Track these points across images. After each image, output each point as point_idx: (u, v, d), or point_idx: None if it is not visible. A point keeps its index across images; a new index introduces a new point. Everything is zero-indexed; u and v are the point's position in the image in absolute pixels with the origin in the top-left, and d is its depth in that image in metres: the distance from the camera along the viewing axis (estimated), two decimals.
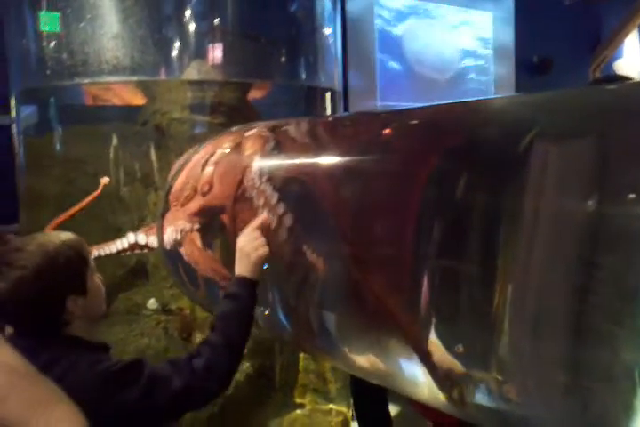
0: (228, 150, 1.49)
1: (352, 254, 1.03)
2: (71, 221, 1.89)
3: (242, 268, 1.18)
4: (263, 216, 1.22)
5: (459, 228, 0.85)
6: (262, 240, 1.19)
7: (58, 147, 2.00)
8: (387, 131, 1.11)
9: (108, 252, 1.80)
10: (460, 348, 0.86)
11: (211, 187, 1.45)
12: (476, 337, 0.84)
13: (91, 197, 1.82)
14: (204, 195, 1.49)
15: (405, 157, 0.98)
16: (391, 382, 1.08)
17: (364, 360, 1.09)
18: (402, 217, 0.93)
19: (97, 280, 1.22)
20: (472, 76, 5.36)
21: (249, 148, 1.40)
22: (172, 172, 1.60)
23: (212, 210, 1.42)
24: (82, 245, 1.21)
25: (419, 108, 1.17)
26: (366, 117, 1.29)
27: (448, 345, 0.87)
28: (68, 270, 1.16)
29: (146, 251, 1.78)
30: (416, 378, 0.94)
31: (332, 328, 1.14)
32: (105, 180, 1.84)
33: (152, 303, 1.92)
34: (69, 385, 0.97)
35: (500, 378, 0.81)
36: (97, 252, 1.77)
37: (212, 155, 1.49)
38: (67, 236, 1.20)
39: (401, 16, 5.07)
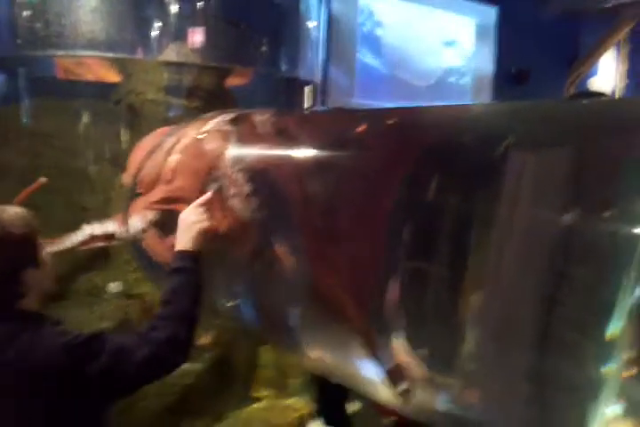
0: (197, 138, 1.46)
1: (315, 250, 1.01)
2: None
3: (184, 241, 1.19)
4: (209, 194, 1.20)
5: (429, 230, 0.83)
6: (204, 215, 1.19)
7: (25, 119, 1.94)
8: (362, 129, 1.09)
9: (64, 246, 1.71)
10: (424, 351, 0.84)
11: (174, 176, 1.43)
12: (440, 341, 0.83)
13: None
14: (167, 184, 1.46)
15: (379, 156, 0.97)
16: (348, 380, 1.07)
17: (323, 357, 1.08)
18: (369, 216, 0.91)
19: (46, 254, 1.21)
20: (451, 81, 5.40)
21: (218, 137, 1.38)
22: (142, 153, 1.56)
23: (175, 199, 1.40)
24: (33, 218, 1.20)
25: (396, 108, 1.17)
26: (343, 114, 1.28)
27: (411, 347, 0.85)
28: (24, 243, 1.14)
29: (112, 243, 1.71)
30: (373, 378, 0.93)
31: (295, 323, 1.12)
32: (43, 180, 1.73)
33: (114, 287, 1.88)
34: (34, 358, 0.95)
35: (461, 383, 0.81)
36: (54, 247, 1.68)
37: (178, 142, 1.47)
38: (18, 209, 1.18)
39: (384, 17, 5.08)
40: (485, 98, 4.98)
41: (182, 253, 1.19)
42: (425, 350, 0.83)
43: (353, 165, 0.99)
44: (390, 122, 1.07)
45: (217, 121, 1.57)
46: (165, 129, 1.66)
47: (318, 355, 1.08)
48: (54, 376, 0.90)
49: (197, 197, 1.32)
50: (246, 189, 1.23)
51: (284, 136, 1.27)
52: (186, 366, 1.86)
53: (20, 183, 1.86)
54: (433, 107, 1.06)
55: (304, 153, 1.13)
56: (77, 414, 1.11)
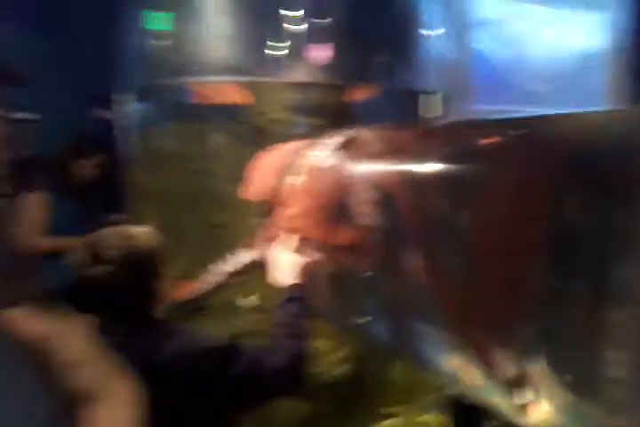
0: (320, 159, 1.49)
1: (457, 268, 0.99)
2: (168, 214, 1.96)
3: (290, 277, 1.37)
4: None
5: (573, 249, 0.79)
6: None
7: (163, 143, 2.07)
8: (495, 140, 1.06)
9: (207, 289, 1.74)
10: (569, 377, 0.80)
11: (301, 199, 1.46)
12: (584, 365, 0.78)
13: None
14: (294, 206, 1.50)
15: (518, 169, 0.93)
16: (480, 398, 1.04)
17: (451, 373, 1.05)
18: (509, 233, 0.88)
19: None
20: (579, 80, 5.12)
21: (340, 157, 1.39)
22: (266, 170, 1.61)
23: (303, 222, 1.43)
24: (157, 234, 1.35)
25: (528, 117, 1.11)
26: (474, 125, 1.24)
27: (554, 373, 0.82)
28: (155, 256, 1.26)
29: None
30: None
31: (424, 338, 1.11)
32: None
33: (250, 301, 1.94)
34: (178, 362, 1.06)
35: (607, 411, 0.76)
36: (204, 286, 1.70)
37: (303, 162, 1.50)
38: (145, 227, 1.35)
39: (502, 17, 4.92)
40: (619, 100, 4.70)
41: (292, 286, 1.35)
42: (567, 375, 0.80)
43: (489, 180, 0.96)
44: (527, 131, 1.03)
45: (338, 140, 1.59)
46: (286, 146, 1.70)
47: (448, 370, 1.06)
48: (192, 380, 0.98)
49: (325, 219, 1.34)
50: (373, 206, 1.24)
51: (408, 151, 1.26)
52: (318, 383, 1.90)
53: (158, 204, 1.99)
54: (571, 113, 1.01)
55: (432, 168, 1.12)
56: (207, 421, 1.19)
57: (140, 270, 1.24)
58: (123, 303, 1.24)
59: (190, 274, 1.88)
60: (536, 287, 0.84)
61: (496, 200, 0.93)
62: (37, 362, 0.51)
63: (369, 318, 1.28)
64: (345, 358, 1.94)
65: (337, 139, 1.66)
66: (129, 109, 2.20)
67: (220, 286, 1.70)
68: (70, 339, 0.56)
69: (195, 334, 1.27)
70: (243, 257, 1.68)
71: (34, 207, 2.75)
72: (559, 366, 0.82)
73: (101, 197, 3.15)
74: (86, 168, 3.07)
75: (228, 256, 1.68)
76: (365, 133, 1.52)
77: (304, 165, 1.54)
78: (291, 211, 1.48)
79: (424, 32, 2.26)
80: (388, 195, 1.18)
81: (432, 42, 2.30)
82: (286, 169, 1.57)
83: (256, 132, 1.94)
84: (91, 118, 3.87)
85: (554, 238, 0.83)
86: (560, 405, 0.81)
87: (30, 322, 0.52)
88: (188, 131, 2.02)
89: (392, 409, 2.06)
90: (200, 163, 1.92)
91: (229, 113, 2.02)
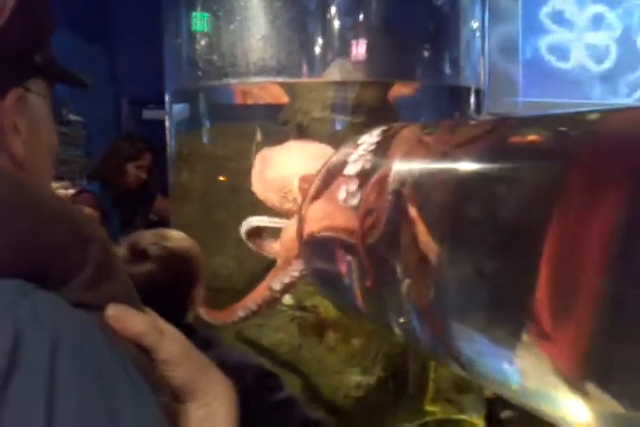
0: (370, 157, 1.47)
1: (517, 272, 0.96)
2: (207, 215, 1.99)
3: None
4: None
5: None
6: None
7: (205, 144, 2.10)
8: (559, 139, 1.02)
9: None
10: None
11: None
12: None
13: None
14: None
15: (589, 170, 0.89)
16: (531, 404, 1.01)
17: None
18: (583, 238, 0.85)
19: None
20: (629, 68, 4.98)
21: (395, 153, 1.37)
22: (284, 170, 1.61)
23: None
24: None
25: (595, 111, 1.07)
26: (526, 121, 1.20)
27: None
28: (195, 261, 1.28)
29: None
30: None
31: (470, 342, 1.09)
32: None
33: (287, 299, 1.96)
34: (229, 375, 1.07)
35: None
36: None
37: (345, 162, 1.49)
38: (180, 232, 1.37)
39: (547, 4, 4.82)
40: None
41: None
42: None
43: (552, 182, 0.92)
44: (596, 128, 0.99)
45: (372, 140, 1.58)
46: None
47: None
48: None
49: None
50: (417, 207, 1.22)
51: (452, 151, 1.25)
52: (357, 380, 1.90)
53: (201, 204, 2.02)
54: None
55: (483, 168, 1.09)
56: None
57: (181, 272, 1.25)
58: (162, 304, 1.25)
59: (231, 279, 1.91)
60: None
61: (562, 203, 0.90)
62: (139, 359, 0.51)
63: (407, 318, 1.26)
64: (383, 357, 1.94)
65: (381, 132, 1.65)
66: (174, 111, 2.24)
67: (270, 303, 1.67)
68: (169, 335, 0.56)
69: (229, 347, 1.28)
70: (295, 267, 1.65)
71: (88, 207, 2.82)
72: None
73: (148, 199, 3.22)
74: (136, 170, 3.14)
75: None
76: (407, 130, 1.51)
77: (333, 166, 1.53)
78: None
79: (466, 25, 2.23)
80: (442, 195, 1.16)
81: (474, 35, 2.26)
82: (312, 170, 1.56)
83: (298, 132, 1.95)
84: (138, 120, 3.96)
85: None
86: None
87: (131, 318, 0.53)
88: (231, 131, 2.04)
89: (434, 407, 2.06)
90: (242, 163, 1.94)
91: (271, 113, 2.04)
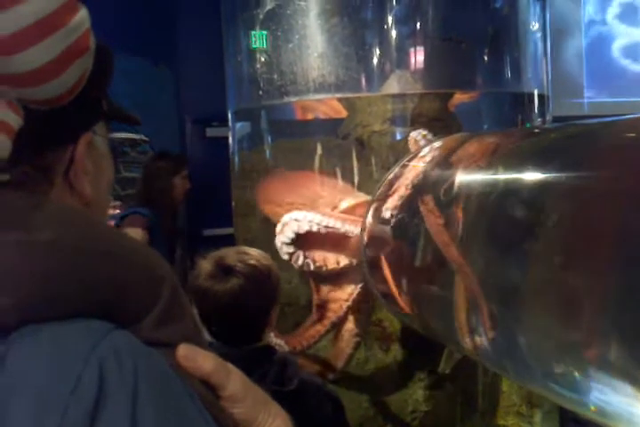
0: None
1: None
2: (271, 231, 2.01)
3: None
4: None
5: None
6: None
7: (267, 160, 2.13)
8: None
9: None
10: None
11: None
12: None
13: None
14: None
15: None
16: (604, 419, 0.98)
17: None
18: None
19: None
20: None
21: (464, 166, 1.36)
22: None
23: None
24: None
25: None
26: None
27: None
28: (277, 281, 1.28)
29: None
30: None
31: (534, 356, 1.07)
32: None
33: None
34: (310, 399, 1.08)
35: None
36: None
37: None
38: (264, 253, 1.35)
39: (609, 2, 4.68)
40: None
41: None
42: None
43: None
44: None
45: (432, 152, 1.57)
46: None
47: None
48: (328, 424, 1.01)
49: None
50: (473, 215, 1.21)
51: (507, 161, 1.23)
52: (427, 393, 1.88)
53: (264, 220, 2.04)
54: None
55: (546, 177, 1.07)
56: None
57: (266, 289, 1.26)
58: (246, 321, 1.25)
59: (294, 294, 1.92)
60: None
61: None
62: (206, 396, 0.53)
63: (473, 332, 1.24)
64: (452, 370, 1.91)
65: (442, 144, 1.65)
66: (236, 128, 2.28)
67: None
68: (233, 372, 0.57)
69: (301, 367, 1.29)
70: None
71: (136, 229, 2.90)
72: None
73: (198, 212, 3.32)
74: (182, 181, 3.25)
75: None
76: (472, 141, 1.50)
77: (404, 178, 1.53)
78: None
79: (526, 27, 2.19)
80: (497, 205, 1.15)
81: (535, 37, 2.21)
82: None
83: (358, 146, 1.95)
84: (201, 138, 4.06)
85: None
86: None
87: (201, 358, 0.54)
88: (292, 147, 2.07)
89: (506, 421, 2.01)
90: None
91: (331, 128, 2.05)
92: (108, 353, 0.46)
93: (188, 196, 3.44)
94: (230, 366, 0.58)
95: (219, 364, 0.56)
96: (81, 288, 0.49)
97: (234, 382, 0.56)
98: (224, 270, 1.24)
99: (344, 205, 1.70)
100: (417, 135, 1.70)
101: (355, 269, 1.66)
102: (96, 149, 0.64)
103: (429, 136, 1.70)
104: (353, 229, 1.58)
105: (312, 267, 1.60)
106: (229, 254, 1.28)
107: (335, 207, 1.70)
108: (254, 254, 1.31)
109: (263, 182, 1.98)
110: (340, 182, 1.87)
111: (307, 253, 1.62)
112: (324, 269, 1.62)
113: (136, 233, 2.84)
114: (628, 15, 4.62)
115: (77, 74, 0.56)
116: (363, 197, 1.75)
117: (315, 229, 1.57)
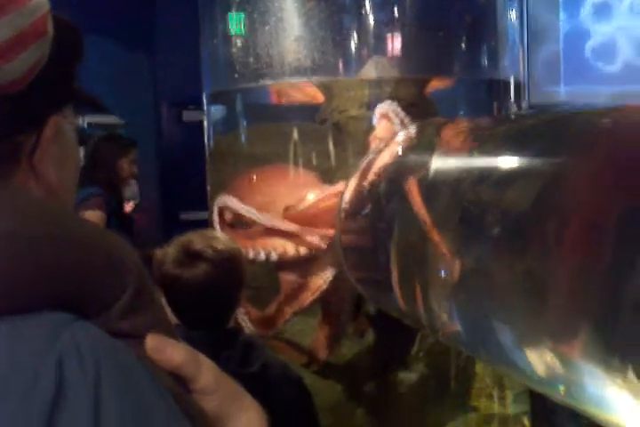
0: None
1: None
2: None
3: None
4: None
5: None
6: None
7: (242, 144, 2.12)
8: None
9: None
10: None
11: None
12: None
13: None
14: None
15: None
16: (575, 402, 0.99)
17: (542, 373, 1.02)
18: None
19: None
20: None
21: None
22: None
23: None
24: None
25: None
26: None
27: None
28: (244, 263, 1.29)
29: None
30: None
31: (507, 338, 1.08)
32: None
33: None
34: (271, 381, 1.09)
35: None
36: None
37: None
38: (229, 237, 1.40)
39: None
40: None
41: None
42: None
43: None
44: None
45: (408, 136, 1.57)
46: None
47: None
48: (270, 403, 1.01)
49: None
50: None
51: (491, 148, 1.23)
52: (400, 376, 1.90)
53: None
54: None
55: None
56: None
57: (234, 274, 1.26)
58: (214, 306, 1.25)
59: (269, 277, 1.92)
60: None
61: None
62: (175, 388, 0.51)
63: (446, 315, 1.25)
64: (426, 354, 1.93)
65: (416, 129, 1.65)
66: (211, 112, 2.26)
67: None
68: (204, 364, 0.55)
69: (272, 352, 1.29)
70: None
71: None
72: None
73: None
74: (129, 165, 3.22)
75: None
76: (448, 127, 1.50)
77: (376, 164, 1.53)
78: None
79: (504, 15, 2.19)
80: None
81: (513, 25, 2.22)
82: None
83: (335, 131, 1.95)
84: (177, 122, 4.02)
85: None
86: None
87: (171, 350, 0.52)
88: (268, 132, 2.06)
89: (475, 403, 2.04)
90: (279, 163, 1.95)
91: (307, 113, 2.04)
92: (68, 347, 0.44)
93: (163, 178, 3.41)
94: (201, 356, 0.55)
95: (189, 355, 0.54)
96: (37, 278, 0.47)
97: (205, 374, 0.54)
98: (192, 256, 1.23)
99: (310, 197, 1.72)
100: (389, 110, 1.70)
101: (321, 257, 1.68)
102: (63, 133, 0.61)
103: (402, 115, 1.70)
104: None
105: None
106: (195, 240, 1.27)
107: (301, 201, 1.71)
108: (221, 238, 1.31)
109: (230, 185, 1.97)
110: (304, 175, 1.87)
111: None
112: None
113: (95, 216, 2.81)
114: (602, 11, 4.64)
115: (33, 60, 0.53)
116: (328, 188, 1.77)
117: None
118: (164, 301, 1.20)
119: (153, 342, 0.51)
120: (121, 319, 0.49)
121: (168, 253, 1.25)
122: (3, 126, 0.55)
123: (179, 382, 0.52)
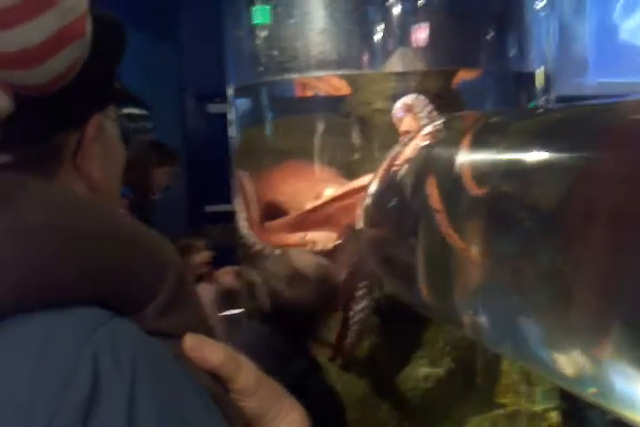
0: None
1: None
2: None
3: None
4: None
5: None
6: None
7: (267, 137, 2.12)
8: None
9: None
10: None
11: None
12: None
13: None
14: None
15: None
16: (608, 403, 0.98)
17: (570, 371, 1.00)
18: None
19: None
20: None
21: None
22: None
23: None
24: None
25: None
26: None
27: None
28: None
29: None
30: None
31: (535, 334, 1.07)
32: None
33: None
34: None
35: None
36: None
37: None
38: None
39: None
40: None
41: None
42: None
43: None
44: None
45: (435, 130, 1.56)
46: None
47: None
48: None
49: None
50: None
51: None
52: (426, 371, 1.89)
53: None
54: None
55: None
56: None
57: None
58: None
59: None
60: None
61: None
62: (214, 388, 0.51)
63: (472, 310, 1.24)
64: (452, 349, 1.92)
65: (439, 123, 1.63)
66: (236, 105, 2.26)
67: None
68: (245, 364, 0.55)
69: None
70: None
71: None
72: None
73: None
74: (159, 177, 3.19)
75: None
76: (474, 119, 1.48)
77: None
78: None
79: (532, 5, 2.15)
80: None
81: (540, 15, 2.18)
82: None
83: (360, 124, 1.94)
84: (202, 114, 4.03)
85: None
86: None
87: (209, 349, 0.52)
88: (293, 124, 2.05)
89: (505, 399, 2.03)
90: (304, 155, 1.95)
91: (332, 106, 2.03)
92: (104, 344, 0.44)
93: (189, 171, 3.39)
94: (242, 357, 0.55)
95: (228, 355, 0.53)
96: (77, 274, 0.47)
97: (245, 374, 0.54)
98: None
99: (328, 192, 1.72)
100: (415, 103, 1.67)
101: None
102: (105, 131, 0.62)
103: (429, 108, 1.67)
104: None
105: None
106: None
107: (318, 196, 1.71)
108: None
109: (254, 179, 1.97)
110: (321, 170, 1.87)
111: None
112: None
113: None
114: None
115: (70, 60, 0.53)
116: (346, 183, 1.77)
117: None
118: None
119: (191, 341, 0.51)
120: (159, 318, 0.50)
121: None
122: (44, 126, 0.55)
123: (217, 383, 0.52)
